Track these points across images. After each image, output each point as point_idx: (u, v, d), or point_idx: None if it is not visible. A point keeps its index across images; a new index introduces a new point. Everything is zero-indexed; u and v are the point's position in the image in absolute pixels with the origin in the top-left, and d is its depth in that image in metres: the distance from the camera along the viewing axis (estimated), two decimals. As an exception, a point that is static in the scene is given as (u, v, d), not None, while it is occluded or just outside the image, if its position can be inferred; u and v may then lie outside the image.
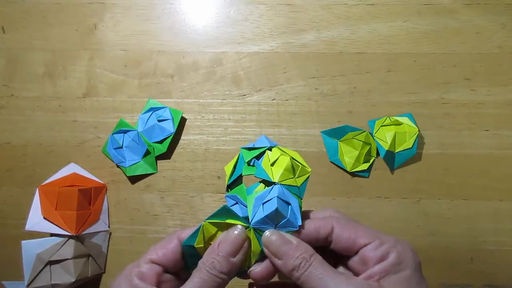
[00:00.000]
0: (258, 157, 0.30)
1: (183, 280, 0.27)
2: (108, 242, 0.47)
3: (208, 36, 0.50)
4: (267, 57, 0.49)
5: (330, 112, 0.48)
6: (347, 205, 0.47)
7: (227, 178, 0.32)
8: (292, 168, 0.29)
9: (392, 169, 0.47)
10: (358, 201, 0.47)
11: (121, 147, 0.47)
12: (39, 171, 0.48)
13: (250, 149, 0.31)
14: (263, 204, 0.27)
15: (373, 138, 0.47)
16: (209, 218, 0.27)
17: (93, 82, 0.49)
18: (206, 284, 0.25)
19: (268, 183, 0.29)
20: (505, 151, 0.46)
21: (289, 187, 0.29)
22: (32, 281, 0.43)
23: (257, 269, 0.27)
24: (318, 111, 0.48)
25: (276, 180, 0.28)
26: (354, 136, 0.46)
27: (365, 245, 0.26)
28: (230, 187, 0.32)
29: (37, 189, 0.45)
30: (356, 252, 0.27)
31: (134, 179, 0.48)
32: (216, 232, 0.28)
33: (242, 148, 0.31)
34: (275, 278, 0.30)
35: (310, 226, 0.27)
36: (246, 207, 0.28)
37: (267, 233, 0.27)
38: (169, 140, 0.47)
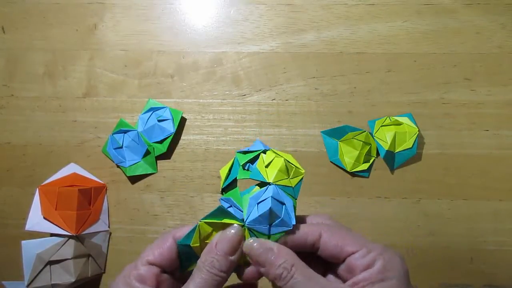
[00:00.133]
0: (253, 161, 0.31)
1: (179, 279, 0.27)
2: (108, 242, 0.47)
3: (208, 36, 0.50)
4: (267, 57, 0.49)
5: (330, 112, 0.48)
6: (347, 205, 0.47)
7: (222, 181, 0.32)
8: (286, 169, 0.30)
9: (392, 169, 0.47)
10: (358, 201, 0.47)
11: (121, 147, 0.47)
12: (39, 171, 0.48)
13: (245, 152, 0.32)
14: (257, 204, 0.28)
15: (373, 138, 0.47)
16: (205, 218, 0.27)
17: (93, 82, 0.49)
18: (207, 284, 0.25)
19: (263, 184, 0.29)
20: (505, 151, 0.46)
21: (283, 187, 0.29)
22: (32, 281, 0.43)
23: (247, 273, 0.28)
24: (318, 111, 0.48)
25: (270, 180, 0.29)
26: (354, 136, 0.46)
27: (352, 253, 0.26)
28: (224, 190, 0.32)
29: (37, 189, 0.45)
30: (343, 260, 0.27)
31: (134, 179, 0.48)
32: (212, 232, 0.28)
33: (237, 152, 0.32)
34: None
35: (298, 232, 0.28)
36: (241, 210, 0.28)
37: (249, 240, 0.27)
38: (169, 140, 0.47)
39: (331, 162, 0.47)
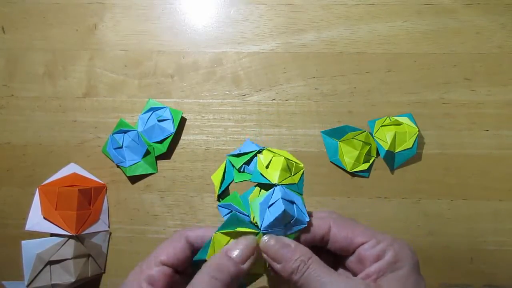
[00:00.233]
0: (248, 162, 0.30)
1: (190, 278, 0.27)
2: (108, 242, 0.47)
3: (208, 36, 0.50)
4: (267, 57, 0.49)
5: (330, 112, 0.48)
6: (347, 205, 0.47)
7: (216, 188, 0.32)
8: (288, 167, 0.30)
9: (392, 169, 0.47)
10: (358, 201, 0.47)
11: (121, 147, 0.47)
12: (39, 171, 0.48)
13: (237, 155, 0.31)
14: (268, 208, 0.27)
15: (373, 138, 0.47)
16: (220, 229, 0.27)
17: (93, 82, 0.49)
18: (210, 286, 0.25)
19: (266, 186, 0.29)
20: (505, 151, 0.46)
21: (289, 185, 0.29)
22: (32, 281, 0.43)
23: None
24: (318, 111, 0.48)
25: (276, 181, 0.28)
26: (354, 136, 0.46)
27: (362, 244, 0.26)
28: (220, 196, 0.32)
29: (37, 189, 0.45)
30: (353, 252, 0.27)
31: (134, 179, 0.48)
32: (228, 242, 0.27)
33: (228, 155, 0.32)
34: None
35: (308, 226, 0.28)
36: (245, 214, 0.28)
37: (265, 238, 0.27)
38: (169, 140, 0.47)
39: (331, 162, 0.47)
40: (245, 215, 0.28)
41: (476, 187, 0.46)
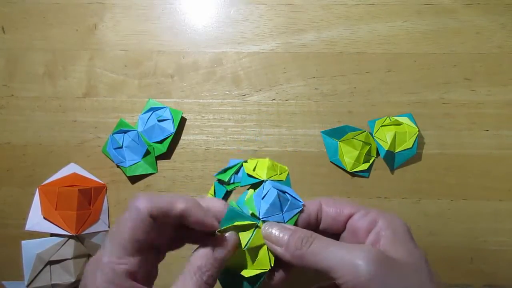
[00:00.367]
0: (237, 172, 0.33)
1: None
2: (108, 242, 0.47)
3: (208, 36, 0.50)
4: (267, 57, 0.49)
5: (330, 112, 0.48)
6: (347, 205, 0.47)
7: None
8: (273, 167, 0.32)
9: (392, 169, 0.47)
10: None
11: (121, 147, 0.47)
12: (39, 171, 0.48)
13: (224, 171, 0.35)
14: (262, 198, 0.29)
15: (373, 138, 0.47)
16: (220, 226, 0.27)
17: (93, 82, 0.49)
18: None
19: (257, 185, 0.30)
20: (505, 151, 0.46)
21: (277, 181, 0.31)
22: (32, 281, 0.43)
23: (278, 271, 0.28)
24: (318, 111, 0.48)
25: (265, 177, 0.31)
26: (354, 136, 0.46)
27: (351, 216, 0.27)
28: None
29: (37, 189, 0.45)
30: (345, 227, 0.27)
31: (134, 179, 0.48)
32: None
33: (215, 175, 0.33)
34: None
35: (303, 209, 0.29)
36: (246, 214, 0.29)
37: (265, 225, 0.28)
38: (169, 140, 0.47)
39: (331, 162, 0.47)
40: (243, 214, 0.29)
41: (476, 187, 0.46)
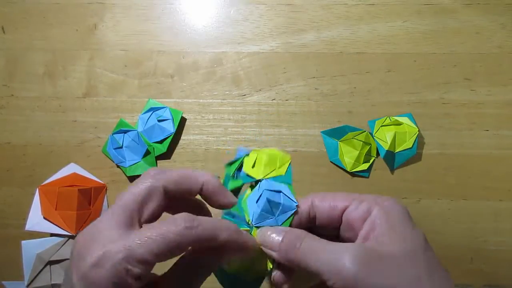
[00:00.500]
0: (240, 168, 0.32)
1: None
2: (108, 242, 0.47)
3: (208, 36, 0.50)
4: (267, 57, 0.49)
5: (330, 112, 0.48)
6: (347, 205, 0.47)
7: None
8: (272, 161, 0.30)
9: (392, 169, 0.47)
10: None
11: (121, 147, 0.47)
12: (39, 171, 0.48)
13: (230, 163, 0.32)
14: (256, 202, 0.28)
15: (373, 138, 0.47)
16: None
17: (93, 82, 0.49)
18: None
19: (255, 184, 0.30)
20: (505, 151, 0.46)
21: (275, 178, 0.30)
22: (32, 281, 0.43)
23: (278, 273, 0.27)
24: (318, 111, 0.48)
25: (260, 177, 0.29)
26: (354, 136, 0.46)
27: (346, 208, 0.26)
28: None
29: (37, 189, 0.45)
30: (341, 220, 0.27)
31: (134, 179, 0.48)
32: None
33: (225, 165, 0.33)
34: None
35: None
36: (245, 220, 0.28)
37: (259, 230, 0.27)
38: (169, 140, 0.47)
39: (331, 162, 0.47)
40: (242, 219, 0.29)
41: (476, 187, 0.46)
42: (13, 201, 0.48)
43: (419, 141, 0.47)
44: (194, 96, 0.49)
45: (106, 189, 0.48)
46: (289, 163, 0.31)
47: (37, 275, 0.43)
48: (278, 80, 0.48)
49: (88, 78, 0.49)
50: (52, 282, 0.43)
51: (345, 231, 0.27)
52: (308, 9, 0.49)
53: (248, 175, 0.30)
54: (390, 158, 0.46)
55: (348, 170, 0.46)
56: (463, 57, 0.48)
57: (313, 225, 0.28)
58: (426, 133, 0.47)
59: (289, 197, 0.28)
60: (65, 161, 0.48)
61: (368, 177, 0.47)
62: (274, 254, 0.26)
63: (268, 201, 0.27)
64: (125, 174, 0.47)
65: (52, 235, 0.44)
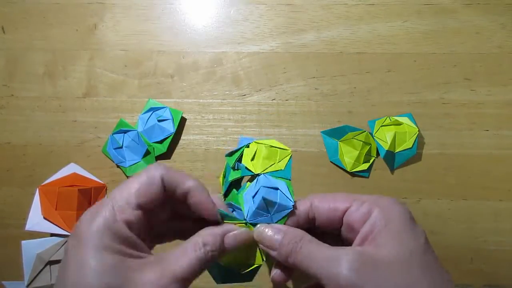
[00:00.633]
0: (240, 159, 0.31)
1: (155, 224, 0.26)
2: (108, 242, 0.47)
3: (208, 36, 0.50)
4: (267, 57, 0.49)
5: (330, 112, 0.48)
6: (347, 205, 0.47)
7: (221, 189, 0.32)
8: (272, 154, 0.30)
9: (392, 169, 0.47)
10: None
11: (121, 147, 0.47)
12: (39, 171, 0.48)
13: (231, 154, 0.32)
14: (252, 198, 0.28)
15: (373, 138, 0.47)
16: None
17: (93, 82, 0.49)
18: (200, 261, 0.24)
19: (253, 178, 0.29)
20: (505, 151, 0.46)
21: (273, 173, 0.29)
22: (32, 281, 0.43)
23: (277, 272, 0.27)
24: (318, 111, 0.48)
25: (258, 171, 0.29)
26: (354, 136, 0.46)
27: (347, 210, 0.26)
28: (225, 195, 0.32)
29: (37, 189, 0.45)
30: (342, 222, 0.27)
31: (134, 179, 0.48)
32: None
33: (226, 155, 0.32)
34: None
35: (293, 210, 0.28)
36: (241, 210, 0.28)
37: (258, 227, 0.27)
38: (169, 140, 0.47)
39: (331, 162, 0.47)
40: (241, 212, 0.28)
41: (476, 187, 0.46)
42: (13, 201, 0.48)
43: (419, 141, 0.47)
44: (194, 96, 0.49)
45: (106, 189, 0.48)
46: (290, 158, 0.30)
47: (37, 275, 0.43)
48: (278, 80, 0.48)
49: (88, 78, 0.49)
50: (52, 282, 0.43)
51: (346, 232, 0.27)
52: (308, 9, 0.49)
53: (246, 168, 0.29)
54: (390, 158, 0.46)
55: (348, 170, 0.46)
56: (463, 57, 0.48)
57: (312, 226, 0.28)
58: (426, 133, 0.47)
59: (286, 195, 0.28)
60: (65, 161, 0.48)
61: (368, 177, 0.47)
62: (272, 253, 0.26)
63: (264, 199, 0.27)
64: (125, 174, 0.47)
65: (52, 235, 0.44)
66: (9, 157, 0.49)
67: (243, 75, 0.49)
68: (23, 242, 0.43)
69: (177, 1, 0.50)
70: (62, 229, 0.43)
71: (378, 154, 0.47)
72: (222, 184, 0.32)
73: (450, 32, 0.48)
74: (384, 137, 0.46)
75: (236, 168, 0.31)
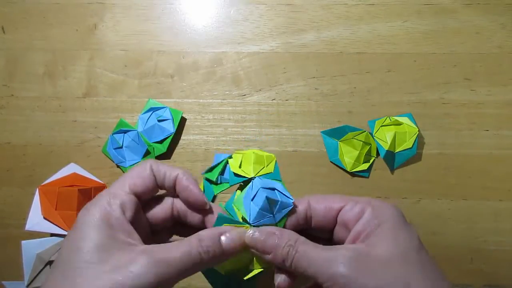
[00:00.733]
0: (222, 172, 0.31)
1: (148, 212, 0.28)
2: (108, 242, 0.47)
3: (208, 36, 0.50)
4: (267, 57, 0.49)
5: (330, 112, 0.48)
6: (347, 205, 0.47)
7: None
8: (259, 160, 0.31)
9: (392, 169, 0.47)
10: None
11: (121, 147, 0.47)
12: (39, 171, 0.48)
13: (210, 169, 0.33)
14: (252, 200, 0.28)
15: (373, 138, 0.47)
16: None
17: (93, 82, 0.49)
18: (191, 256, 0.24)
19: (245, 183, 0.30)
20: (505, 151, 0.46)
21: (265, 175, 0.30)
22: (32, 281, 0.43)
23: (282, 277, 0.27)
24: (318, 111, 0.48)
25: (252, 174, 0.30)
26: (354, 136, 0.46)
27: (341, 209, 0.27)
28: None
29: (37, 189, 0.45)
30: (336, 221, 0.27)
31: (134, 179, 0.48)
32: None
33: (203, 173, 0.33)
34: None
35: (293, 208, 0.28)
36: (237, 220, 0.28)
37: (249, 232, 0.26)
38: (169, 140, 0.47)
39: (331, 162, 0.47)
40: (237, 220, 0.28)
41: (476, 187, 0.46)
42: (13, 201, 0.48)
43: (419, 141, 0.47)
44: (194, 96, 0.49)
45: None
46: (275, 161, 0.31)
47: (37, 275, 0.43)
48: (278, 80, 0.48)
49: (88, 78, 0.49)
50: (52, 282, 0.43)
51: (339, 232, 0.27)
52: (308, 9, 0.49)
53: (237, 175, 0.30)
54: (390, 158, 0.46)
55: (348, 170, 0.46)
56: (463, 57, 0.48)
57: (308, 227, 0.28)
58: (426, 133, 0.47)
59: (284, 194, 0.28)
60: (65, 161, 0.48)
61: (368, 177, 0.47)
62: (267, 257, 0.26)
63: (267, 199, 0.27)
64: (125, 174, 0.47)
65: (52, 235, 0.44)
66: (9, 157, 0.49)
67: (243, 75, 0.49)
68: (23, 242, 0.43)
69: (177, 1, 0.50)
70: (62, 229, 0.43)
71: (378, 154, 0.47)
72: None
73: (450, 32, 0.48)
74: (384, 137, 0.46)
75: (219, 182, 0.32)
